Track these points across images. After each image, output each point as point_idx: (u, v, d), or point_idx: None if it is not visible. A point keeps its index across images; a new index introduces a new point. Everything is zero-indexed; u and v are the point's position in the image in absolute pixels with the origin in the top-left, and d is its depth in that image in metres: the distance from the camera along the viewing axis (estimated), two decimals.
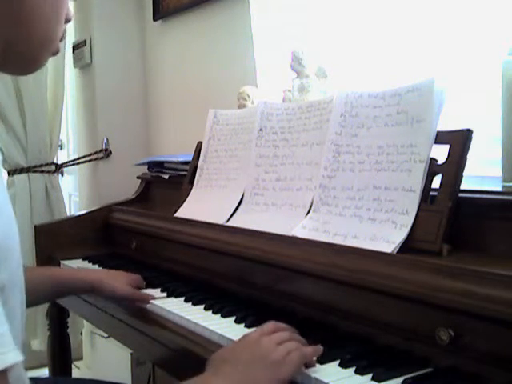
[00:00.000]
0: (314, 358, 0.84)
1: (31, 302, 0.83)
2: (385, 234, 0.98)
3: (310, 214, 1.16)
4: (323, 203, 1.14)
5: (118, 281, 1.24)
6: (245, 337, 0.84)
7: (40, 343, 2.57)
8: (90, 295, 1.36)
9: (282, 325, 0.87)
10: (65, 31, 0.77)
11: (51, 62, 2.62)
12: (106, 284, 1.23)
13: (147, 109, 2.67)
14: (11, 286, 0.69)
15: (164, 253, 1.53)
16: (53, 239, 1.71)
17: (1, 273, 0.64)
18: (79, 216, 1.85)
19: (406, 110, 1.05)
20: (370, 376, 0.79)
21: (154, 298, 1.21)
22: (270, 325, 0.86)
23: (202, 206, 1.48)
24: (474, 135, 0.96)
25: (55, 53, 0.76)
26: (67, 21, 0.77)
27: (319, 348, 0.85)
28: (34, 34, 0.71)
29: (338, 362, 0.84)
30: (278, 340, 0.81)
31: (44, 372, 2.00)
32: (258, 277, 1.18)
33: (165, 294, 1.25)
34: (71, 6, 0.77)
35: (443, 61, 1.35)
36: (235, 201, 1.37)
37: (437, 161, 0.98)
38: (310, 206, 1.17)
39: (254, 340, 0.82)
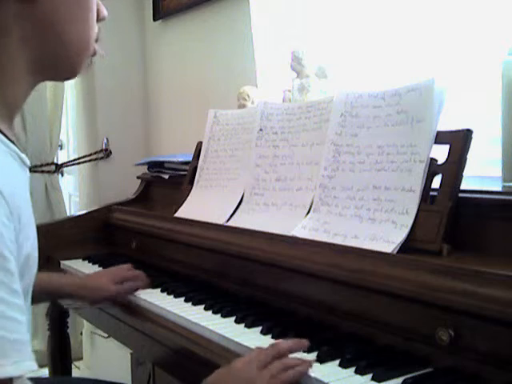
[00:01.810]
0: (314, 358, 0.84)
1: None
2: (385, 234, 0.98)
3: (309, 214, 1.16)
4: (323, 203, 1.14)
5: (100, 283, 1.23)
6: (231, 364, 0.83)
7: (40, 343, 2.57)
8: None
9: (282, 345, 0.85)
10: (99, 31, 0.77)
11: None
12: (89, 290, 1.23)
13: (147, 109, 2.67)
14: (28, 290, 0.71)
15: (164, 253, 1.53)
16: (53, 239, 1.71)
17: (24, 280, 0.65)
18: (79, 216, 1.85)
19: (406, 110, 1.05)
20: (369, 376, 0.79)
21: (145, 297, 1.21)
22: (263, 350, 0.84)
23: (202, 206, 1.48)
24: (474, 135, 0.96)
25: (93, 55, 0.77)
26: (101, 19, 0.77)
27: (309, 362, 0.83)
28: (67, 39, 0.72)
29: (337, 361, 0.84)
30: (264, 365, 0.80)
31: (44, 372, 1.99)
32: (257, 277, 1.18)
33: (171, 296, 1.23)
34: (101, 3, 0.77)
35: (443, 61, 1.35)
36: (235, 201, 1.37)
37: (437, 161, 0.98)
38: (310, 206, 1.17)
39: (240, 367, 0.81)
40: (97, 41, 0.77)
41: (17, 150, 0.69)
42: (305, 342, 0.86)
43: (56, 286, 1.24)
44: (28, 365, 0.57)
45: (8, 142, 0.68)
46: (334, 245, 1.03)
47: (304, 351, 0.88)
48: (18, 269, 0.62)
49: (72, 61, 0.74)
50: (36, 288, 1.17)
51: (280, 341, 0.88)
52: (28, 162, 0.72)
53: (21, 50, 0.68)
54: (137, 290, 1.25)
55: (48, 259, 1.69)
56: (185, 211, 1.52)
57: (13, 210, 0.61)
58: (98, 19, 0.76)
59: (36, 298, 1.37)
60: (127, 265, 1.33)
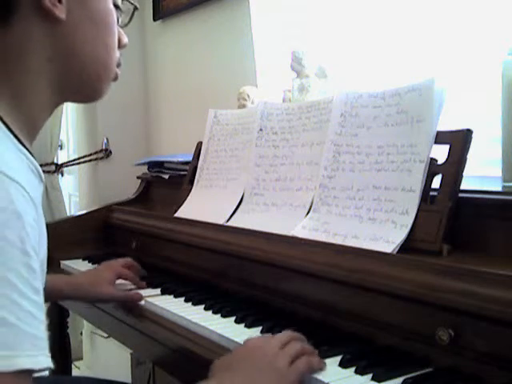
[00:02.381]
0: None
1: None
2: (385, 234, 0.98)
3: (309, 214, 1.16)
4: (323, 203, 1.14)
5: (100, 283, 1.22)
6: (247, 342, 0.84)
7: None
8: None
9: (293, 333, 0.86)
10: (121, 56, 0.80)
11: None
12: (88, 291, 1.22)
13: (147, 109, 2.67)
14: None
15: (164, 253, 1.53)
16: (53, 239, 1.69)
17: (42, 284, 0.67)
18: (79, 216, 1.85)
19: (406, 110, 1.05)
20: (369, 376, 0.79)
21: (145, 297, 1.20)
22: (279, 335, 0.84)
23: (202, 206, 1.48)
24: (474, 135, 0.96)
25: (115, 79, 0.79)
26: (122, 46, 0.80)
27: (323, 362, 0.82)
28: (89, 61, 0.74)
29: (338, 361, 0.84)
30: (282, 345, 0.80)
31: (44, 372, 2.00)
32: (257, 277, 1.18)
33: (158, 291, 1.24)
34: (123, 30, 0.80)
35: (443, 61, 1.35)
36: (235, 201, 1.37)
37: (437, 161, 0.98)
38: (310, 206, 1.17)
39: (258, 346, 0.81)
40: (118, 66, 0.79)
41: (37, 165, 0.72)
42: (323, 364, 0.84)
43: (52, 287, 1.23)
44: (44, 360, 0.58)
45: (32, 158, 0.70)
46: (333, 245, 1.03)
47: None
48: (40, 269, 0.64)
49: (94, 84, 0.76)
50: None
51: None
52: (43, 178, 0.75)
53: (44, 70, 0.70)
54: (139, 300, 1.21)
55: (48, 259, 1.68)
56: (185, 211, 1.52)
57: (39, 217, 0.65)
58: (120, 46, 0.79)
59: None
60: (124, 259, 1.32)
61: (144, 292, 1.26)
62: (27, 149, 0.70)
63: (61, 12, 0.69)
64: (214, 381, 0.77)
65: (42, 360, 0.58)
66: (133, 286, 1.30)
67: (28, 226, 0.60)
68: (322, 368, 0.81)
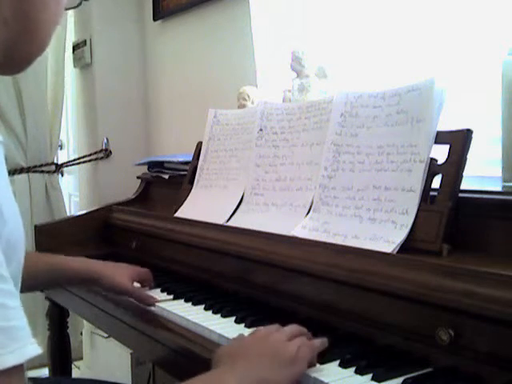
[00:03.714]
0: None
1: (26, 286, 0.81)
2: (385, 234, 0.98)
3: (310, 214, 1.16)
4: (323, 203, 1.14)
5: (118, 274, 1.21)
6: (256, 332, 0.84)
7: (40, 343, 2.57)
8: (90, 288, 1.34)
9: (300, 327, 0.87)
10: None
11: (51, 62, 2.62)
12: (105, 277, 1.20)
13: (147, 109, 2.67)
14: (18, 278, 0.69)
15: (164, 253, 1.53)
16: (53, 239, 1.71)
17: (11, 265, 0.62)
18: (79, 216, 1.85)
19: (406, 110, 1.05)
20: (369, 376, 0.79)
21: (159, 301, 1.19)
22: (286, 328, 0.85)
23: (202, 206, 1.48)
24: (474, 135, 0.96)
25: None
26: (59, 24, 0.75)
27: (325, 340, 0.85)
28: (36, 39, 0.70)
29: (337, 361, 0.84)
30: (287, 335, 0.81)
31: (44, 372, 2.00)
32: (257, 277, 1.18)
33: (170, 297, 1.23)
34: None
35: (443, 61, 1.35)
36: (235, 201, 1.37)
37: (437, 161, 0.98)
38: (310, 206, 1.17)
39: (263, 336, 0.82)
40: None
41: None
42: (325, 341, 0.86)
43: (69, 268, 1.22)
44: (30, 349, 0.55)
45: None
46: (333, 245, 1.03)
47: None
48: (3, 253, 0.59)
49: (32, 55, 0.72)
50: (44, 270, 1.16)
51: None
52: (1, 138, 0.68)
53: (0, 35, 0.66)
54: (152, 304, 1.20)
55: None
56: (185, 211, 1.52)
57: None
58: (58, 23, 0.74)
59: (45, 283, 1.35)
60: (145, 269, 1.31)
61: (147, 293, 1.26)
62: None
63: None
64: (226, 366, 0.76)
65: (25, 350, 0.55)
66: (138, 285, 1.29)
67: None
68: (325, 345, 0.84)
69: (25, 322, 0.57)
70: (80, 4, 0.81)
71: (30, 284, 0.77)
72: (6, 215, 0.62)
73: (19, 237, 0.67)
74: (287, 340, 0.80)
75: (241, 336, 0.87)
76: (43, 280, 1.23)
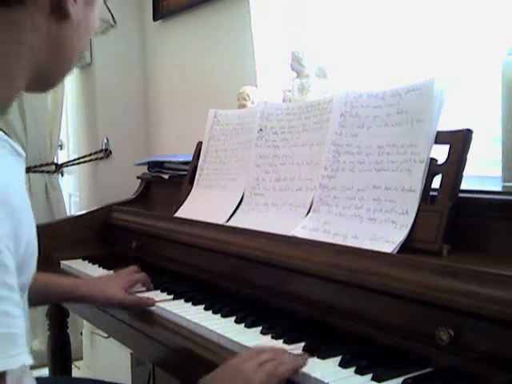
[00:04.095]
0: (314, 358, 0.84)
1: None
2: (385, 234, 0.98)
3: (309, 214, 1.16)
4: (323, 203, 1.14)
5: (110, 287, 1.20)
6: (229, 361, 0.83)
7: (40, 343, 2.57)
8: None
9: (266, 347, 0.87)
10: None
11: None
12: (96, 294, 1.20)
13: (147, 109, 2.67)
14: (26, 287, 0.71)
15: (164, 253, 1.53)
16: (53, 239, 1.71)
17: (23, 276, 0.65)
18: (79, 216, 1.85)
19: (406, 110, 1.05)
20: (369, 376, 0.79)
21: (158, 301, 1.18)
22: (253, 349, 0.85)
23: (202, 206, 1.48)
24: (474, 135, 0.96)
25: None
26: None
27: (303, 357, 0.84)
28: (64, 62, 0.76)
29: (338, 362, 0.84)
30: (259, 362, 0.80)
31: (44, 372, 2.00)
32: (258, 277, 1.18)
33: (170, 297, 1.23)
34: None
35: (443, 61, 1.35)
36: (235, 201, 1.37)
37: (437, 161, 0.98)
38: (310, 206, 1.17)
39: (237, 364, 0.81)
40: None
41: (9, 140, 0.69)
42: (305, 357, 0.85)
43: (61, 287, 1.22)
44: (24, 358, 0.57)
45: (4, 136, 0.68)
46: (333, 245, 1.03)
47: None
48: (18, 262, 0.61)
49: (58, 80, 0.78)
50: (40, 289, 1.17)
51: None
52: (22, 152, 0.72)
53: (30, 57, 0.71)
54: (151, 305, 1.19)
55: (48, 259, 1.69)
56: (185, 211, 1.52)
57: (10, 206, 0.60)
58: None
59: (39, 300, 1.36)
60: (133, 267, 1.30)
61: (144, 293, 1.26)
62: None
63: (72, 10, 0.70)
64: None
65: (17, 359, 0.57)
66: (143, 289, 1.28)
67: None
68: (304, 362, 0.83)
69: (24, 332, 0.59)
70: (107, 31, 0.84)
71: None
72: (26, 228, 0.66)
73: (34, 248, 0.71)
74: (259, 366, 0.79)
75: (218, 368, 0.85)
76: (36, 298, 1.23)
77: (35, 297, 1.21)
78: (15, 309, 0.58)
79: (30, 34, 0.69)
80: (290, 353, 0.85)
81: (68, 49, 0.74)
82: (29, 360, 0.58)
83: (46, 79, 0.77)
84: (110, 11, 0.82)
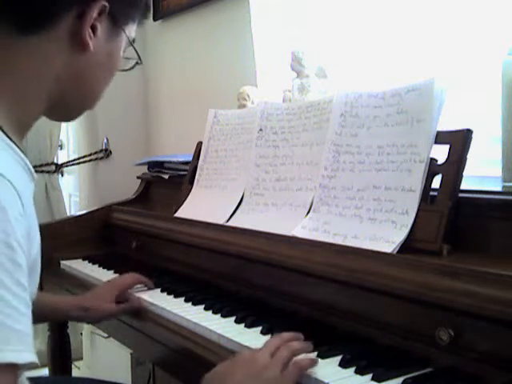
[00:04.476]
0: (313, 354, 0.84)
1: None
2: (385, 234, 0.98)
3: (309, 214, 1.16)
4: (323, 203, 1.14)
5: (103, 300, 1.20)
6: (237, 356, 0.83)
7: (40, 343, 2.57)
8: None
9: (286, 335, 0.85)
10: None
11: None
12: (90, 311, 1.19)
13: (147, 109, 2.67)
14: (33, 295, 0.72)
15: (164, 253, 1.53)
16: (53, 239, 1.71)
17: (32, 281, 0.68)
18: (79, 216, 1.85)
19: (406, 110, 1.05)
20: (369, 376, 0.79)
21: (143, 297, 1.19)
22: (272, 340, 0.84)
23: (202, 206, 1.48)
24: (474, 135, 0.96)
25: None
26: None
27: (315, 360, 0.83)
28: (85, 97, 0.79)
29: (338, 362, 0.84)
30: (272, 353, 0.80)
31: (44, 372, 1.99)
32: (257, 277, 1.18)
33: (158, 291, 1.23)
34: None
35: (443, 61, 1.35)
36: (235, 201, 1.37)
37: (437, 161, 0.98)
38: (310, 206, 1.17)
39: (249, 357, 0.81)
40: None
41: (28, 162, 0.72)
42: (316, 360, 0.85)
43: (54, 307, 1.21)
44: (30, 355, 0.58)
45: (22, 154, 0.71)
46: (333, 245, 1.03)
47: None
48: (29, 264, 0.63)
49: (78, 111, 0.81)
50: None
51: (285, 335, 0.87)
52: (35, 175, 0.75)
53: (49, 87, 0.73)
54: (138, 304, 1.20)
55: (48, 259, 1.68)
56: (185, 211, 1.52)
57: (26, 210, 0.64)
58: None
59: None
60: (131, 275, 1.29)
61: (144, 292, 1.26)
62: (18, 147, 0.71)
63: (91, 44, 0.72)
64: None
65: (27, 356, 0.58)
66: (144, 288, 1.28)
67: (13, 218, 0.59)
68: (314, 365, 0.82)
69: (31, 331, 0.60)
70: (133, 68, 0.87)
71: None
72: (36, 238, 0.70)
73: (39, 259, 0.74)
74: (271, 357, 0.79)
75: (226, 362, 0.84)
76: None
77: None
78: (25, 308, 0.59)
79: (49, 62, 0.71)
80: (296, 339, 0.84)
81: (90, 81, 0.77)
82: (36, 359, 0.59)
83: (67, 109, 0.79)
84: (136, 51, 0.85)
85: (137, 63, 0.88)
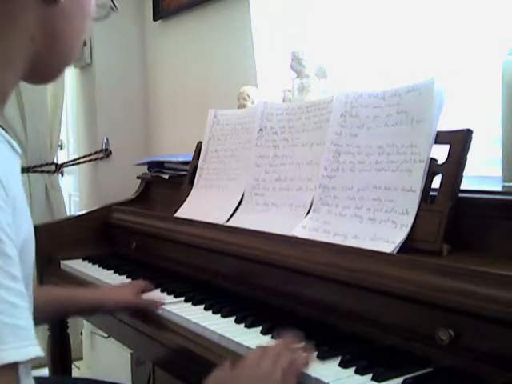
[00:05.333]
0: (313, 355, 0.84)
1: (36, 320, 0.83)
2: (385, 234, 0.98)
3: (309, 214, 1.16)
4: (323, 203, 1.14)
5: (119, 293, 1.21)
6: (243, 361, 0.82)
7: (40, 343, 2.57)
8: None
9: (288, 339, 0.85)
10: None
11: None
12: (107, 301, 1.19)
13: (147, 109, 2.67)
14: (28, 281, 0.70)
15: (164, 253, 1.53)
16: (53, 239, 1.71)
17: (25, 267, 0.65)
18: (79, 216, 1.85)
19: (406, 110, 1.05)
20: (369, 376, 0.79)
21: (165, 304, 1.17)
22: (274, 346, 0.84)
23: (202, 206, 1.48)
24: (474, 135, 0.96)
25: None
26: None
27: (311, 356, 0.83)
28: (63, 52, 0.76)
29: (338, 362, 0.84)
30: (275, 358, 0.79)
31: (44, 372, 1.99)
32: (257, 277, 1.18)
33: (158, 291, 1.23)
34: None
35: (443, 61, 1.35)
36: (235, 201, 1.37)
37: (437, 161, 0.98)
38: (310, 206, 1.17)
39: (251, 363, 0.80)
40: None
41: (7, 136, 0.69)
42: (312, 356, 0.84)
43: (79, 298, 1.21)
44: (31, 350, 0.57)
45: (0, 129, 0.68)
46: (333, 245, 1.03)
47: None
48: (19, 251, 0.61)
49: (58, 69, 0.78)
50: (52, 305, 1.17)
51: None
52: (18, 150, 0.72)
53: (24, 47, 0.70)
54: (159, 306, 1.19)
55: (48, 259, 1.69)
56: (185, 211, 1.52)
57: (9, 194, 0.61)
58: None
59: (55, 316, 1.35)
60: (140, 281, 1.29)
61: (144, 293, 1.26)
62: None
63: None
64: None
65: (29, 350, 0.56)
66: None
67: None
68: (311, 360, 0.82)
69: (31, 323, 0.59)
70: (109, 15, 0.84)
71: (39, 317, 0.78)
72: (25, 217, 0.67)
73: (31, 238, 0.70)
74: (273, 362, 0.78)
75: (226, 367, 0.83)
76: (55, 314, 1.22)
77: (54, 314, 1.22)
78: (21, 300, 0.58)
79: (21, 21, 0.69)
80: (295, 346, 0.84)
81: (65, 35, 0.74)
82: (40, 352, 0.58)
83: (47, 69, 0.77)
84: None
85: (112, 9, 0.86)
